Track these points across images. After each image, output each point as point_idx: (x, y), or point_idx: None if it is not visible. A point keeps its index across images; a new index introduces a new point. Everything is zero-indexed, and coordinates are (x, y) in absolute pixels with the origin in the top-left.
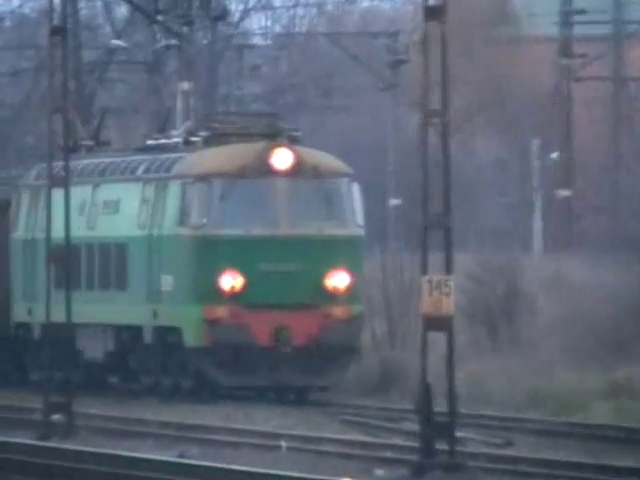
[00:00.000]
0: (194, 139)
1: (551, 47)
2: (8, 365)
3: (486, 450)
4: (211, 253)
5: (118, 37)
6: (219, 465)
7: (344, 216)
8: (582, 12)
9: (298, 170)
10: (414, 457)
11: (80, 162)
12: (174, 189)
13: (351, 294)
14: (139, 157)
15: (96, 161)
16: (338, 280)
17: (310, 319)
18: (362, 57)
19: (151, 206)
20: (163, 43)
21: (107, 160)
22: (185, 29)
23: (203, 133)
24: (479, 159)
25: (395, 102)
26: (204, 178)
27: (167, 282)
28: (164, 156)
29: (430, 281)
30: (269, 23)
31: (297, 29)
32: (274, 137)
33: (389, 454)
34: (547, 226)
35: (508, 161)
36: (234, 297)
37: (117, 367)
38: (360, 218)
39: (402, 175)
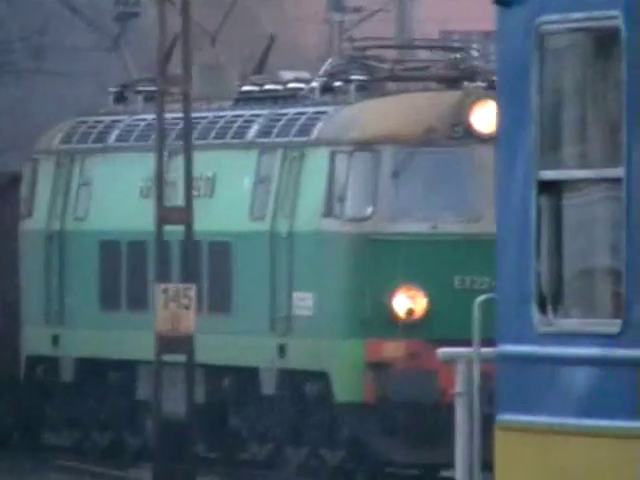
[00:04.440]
0: (339, 85)
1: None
2: (12, 421)
3: None
4: (379, 260)
5: None
6: None
7: None
8: None
9: None
10: None
11: (137, 117)
12: (316, 162)
13: None
14: (247, 111)
15: (169, 116)
16: None
17: None
18: (82, 9)
19: (275, 187)
20: None
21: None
22: None
23: (356, 77)
24: None
25: (124, 65)
26: (369, 145)
27: (304, 303)
28: (291, 111)
29: (166, 291)
30: None
31: None
32: (467, 83)
33: None
34: None
35: None
36: (413, 328)
37: (210, 429)
38: None
39: None
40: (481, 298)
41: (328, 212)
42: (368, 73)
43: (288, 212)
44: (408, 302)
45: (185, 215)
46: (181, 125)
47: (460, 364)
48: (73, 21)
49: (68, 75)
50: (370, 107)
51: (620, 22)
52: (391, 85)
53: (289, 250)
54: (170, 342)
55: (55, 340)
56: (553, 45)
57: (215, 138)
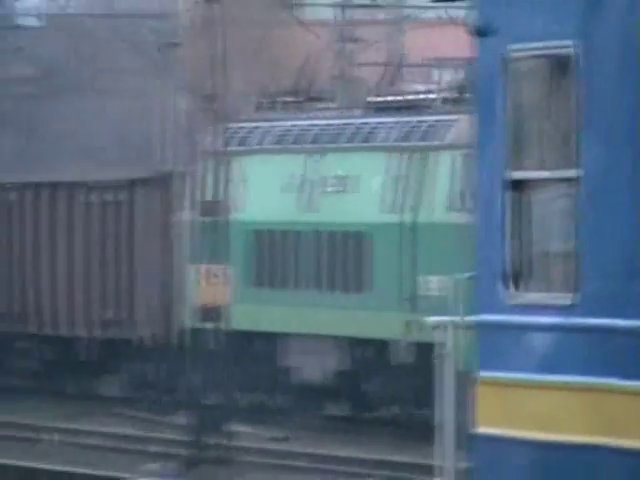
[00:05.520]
0: (462, 96)
1: (331, 31)
2: (165, 382)
3: (260, 444)
4: None
5: None
6: None
7: None
8: None
9: None
10: (183, 451)
11: (278, 124)
12: (443, 162)
13: None
14: (377, 119)
15: (305, 123)
16: None
17: None
18: (133, 39)
19: (404, 184)
20: None
21: (324, 122)
22: None
23: None
24: None
25: (166, 87)
26: None
27: (430, 285)
28: (418, 119)
29: (205, 271)
30: (39, 3)
31: (66, 9)
32: None
33: (160, 448)
34: None
35: None
36: None
37: (342, 393)
38: None
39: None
40: (466, 275)
41: (454, 206)
42: None
43: (416, 206)
44: None
45: (219, 207)
46: (315, 131)
47: (442, 330)
48: (124, 49)
49: (117, 93)
50: None
51: (572, 50)
52: None
53: (417, 239)
54: (209, 312)
55: None
56: (518, 69)
57: (350, 141)
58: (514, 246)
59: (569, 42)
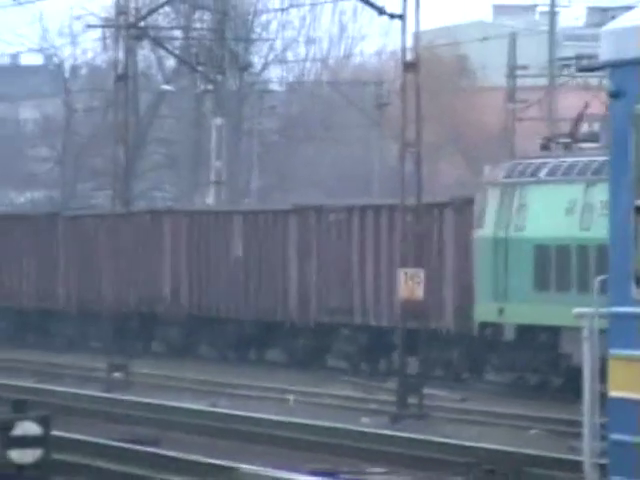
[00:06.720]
0: None
1: (500, 94)
2: (465, 364)
3: (447, 404)
4: None
5: (167, 83)
6: (242, 413)
7: None
8: (524, 67)
9: None
10: (392, 409)
11: (559, 160)
12: None
13: None
14: None
15: (584, 159)
16: None
17: None
18: (355, 100)
19: None
20: (202, 88)
21: (600, 159)
22: (219, 77)
23: None
24: (443, 180)
25: (380, 136)
26: None
27: None
28: None
29: (406, 273)
30: (284, 73)
31: (305, 78)
32: None
33: (373, 406)
34: None
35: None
36: None
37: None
38: None
39: (384, 193)
40: (599, 278)
41: None
42: None
43: None
44: None
45: (418, 228)
46: (595, 165)
47: (585, 319)
48: (349, 108)
49: (345, 142)
50: None
51: None
52: None
53: None
54: (409, 304)
55: (500, 311)
56: None
57: None
58: None
59: None
